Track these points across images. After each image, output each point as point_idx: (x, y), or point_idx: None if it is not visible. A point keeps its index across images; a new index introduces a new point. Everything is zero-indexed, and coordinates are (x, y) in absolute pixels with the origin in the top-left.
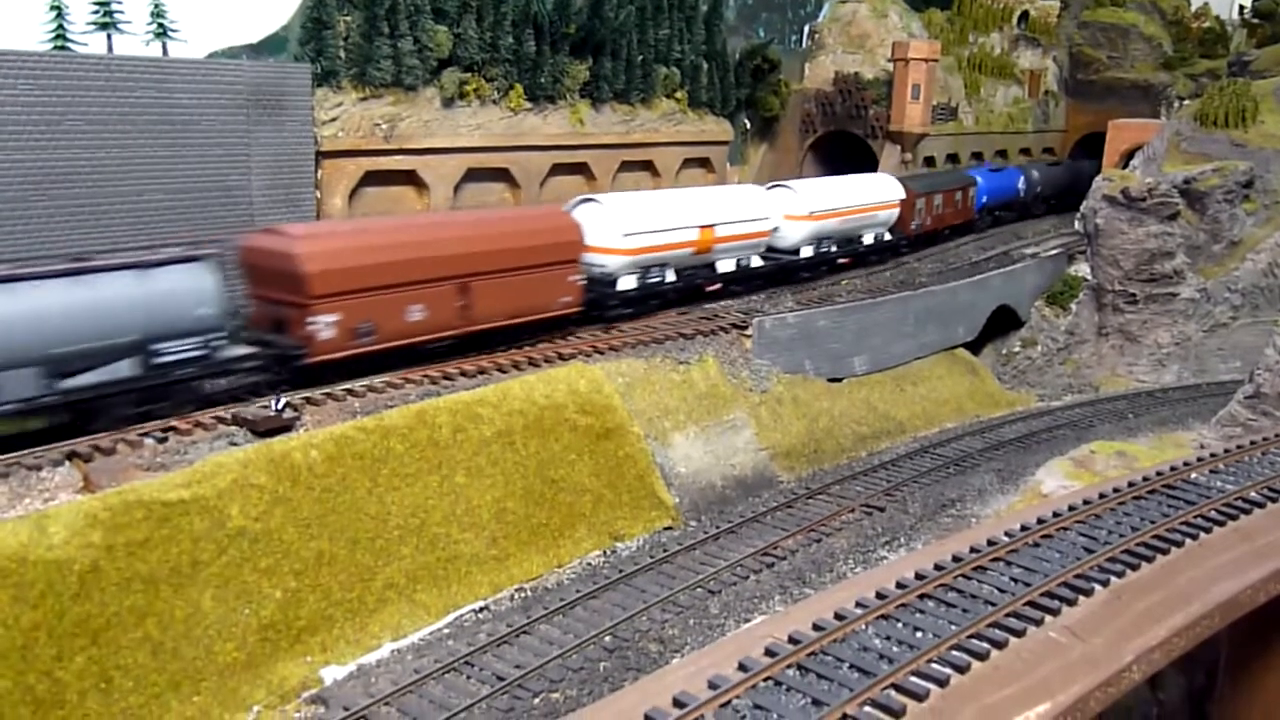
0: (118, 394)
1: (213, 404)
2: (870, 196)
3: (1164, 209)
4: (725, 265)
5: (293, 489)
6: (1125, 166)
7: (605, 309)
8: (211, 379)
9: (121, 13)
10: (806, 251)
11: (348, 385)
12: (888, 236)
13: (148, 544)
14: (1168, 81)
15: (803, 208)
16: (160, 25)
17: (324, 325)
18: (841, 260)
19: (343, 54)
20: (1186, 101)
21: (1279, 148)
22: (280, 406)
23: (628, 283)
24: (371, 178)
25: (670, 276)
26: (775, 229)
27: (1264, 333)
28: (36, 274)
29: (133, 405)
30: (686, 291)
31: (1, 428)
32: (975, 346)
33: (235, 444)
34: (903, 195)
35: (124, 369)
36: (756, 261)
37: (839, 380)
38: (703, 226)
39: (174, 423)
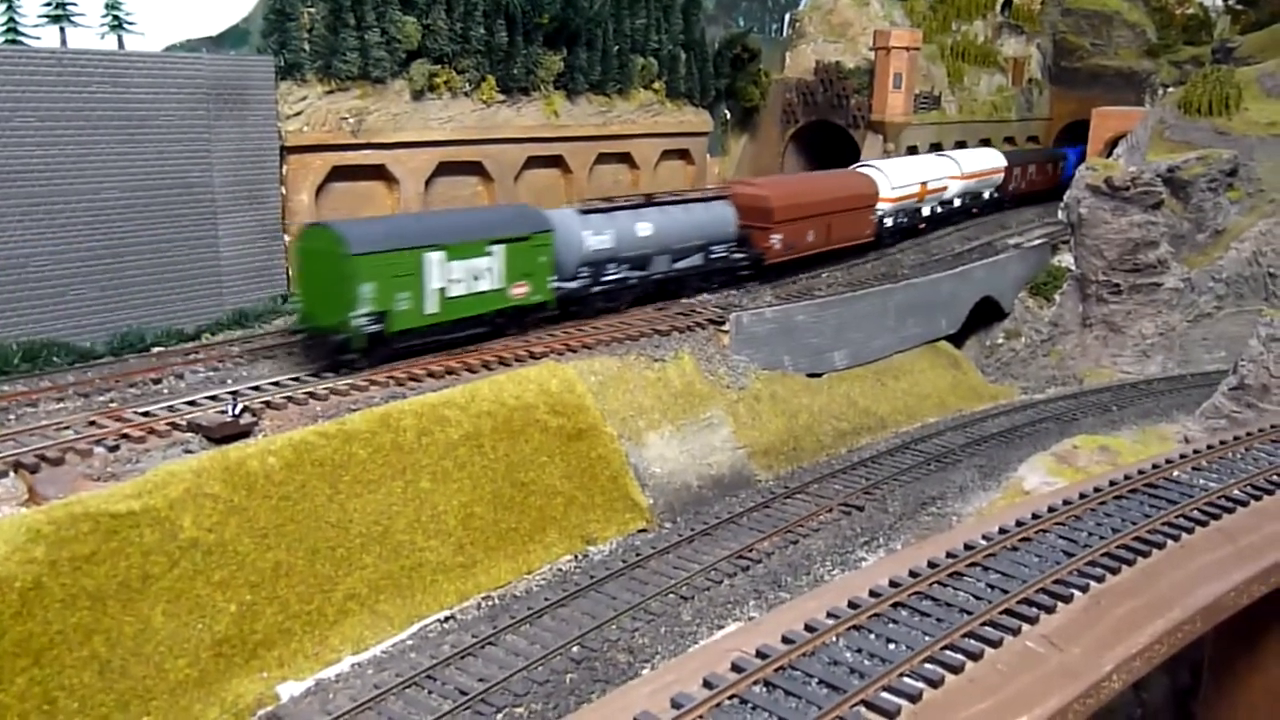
0: (691, 275)
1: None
2: (988, 165)
3: (1147, 198)
4: (925, 210)
5: (249, 498)
6: (1109, 155)
7: (881, 238)
8: (722, 273)
9: (75, 5)
10: (957, 202)
11: (308, 388)
12: (996, 195)
13: (94, 558)
14: (1152, 69)
15: (961, 171)
16: (115, 18)
17: (775, 240)
18: (973, 210)
19: (307, 46)
20: (1170, 89)
21: (1263, 135)
22: (238, 412)
23: (889, 221)
24: (339, 173)
25: (904, 219)
26: (946, 186)
27: (1248, 322)
28: (673, 201)
29: (695, 282)
30: (910, 228)
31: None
32: (959, 339)
33: (190, 451)
34: (1005, 165)
35: (697, 260)
36: (938, 209)
37: (819, 376)
38: (921, 183)
39: (126, 430)
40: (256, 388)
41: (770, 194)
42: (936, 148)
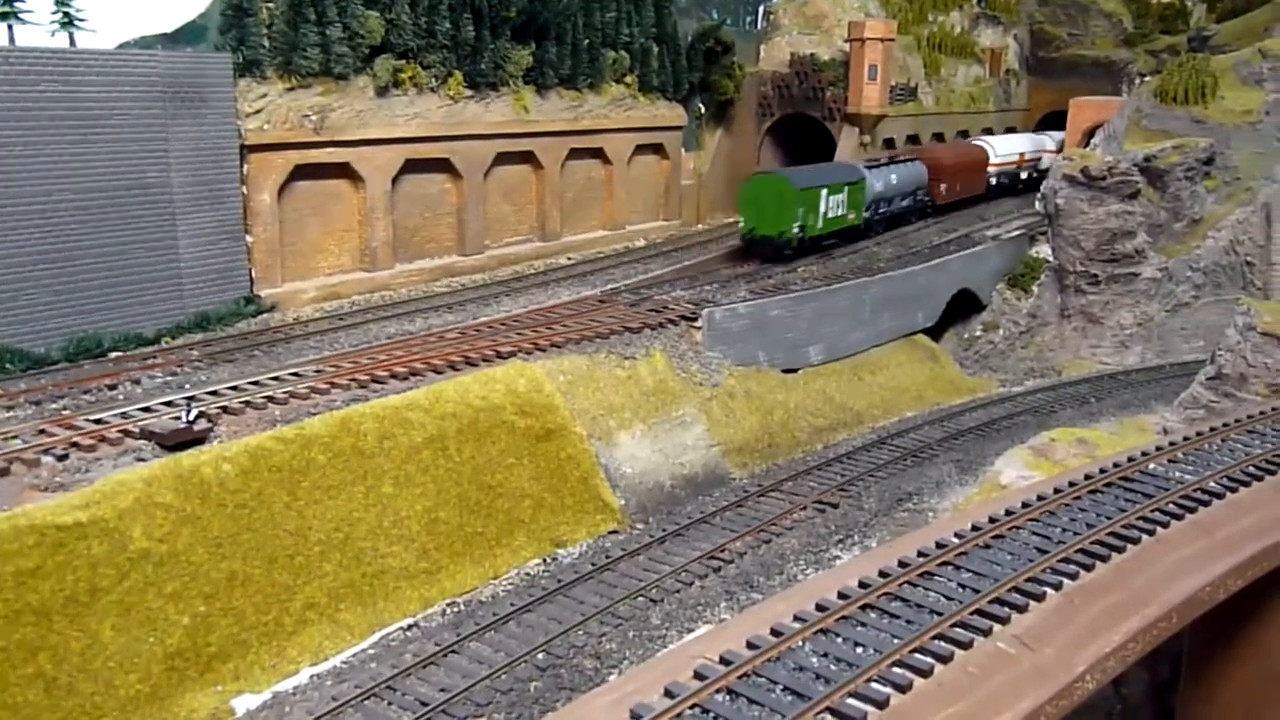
0: (906, 211)
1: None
2: (1045, 145)
3: (1124, 187)
4: (1022, 175)
5: (202, 506)
6: (1087, 145)
7: (988, 193)
8: (916, 210)
9: (23, 2)
10: (1024, 174)
11: (267, 392)
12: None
13: (39, 572)
14: (1129, 58)
15: (1055, 146)
16: (66, 14)
17: (943, 189)
18: (1037, 176)
19: (266, 42)
20: (1147, 78)
21: (1239, 123)
22: (192, 417)
23: (994, 180)
24: (302, 171)
25: (1005, 180)
26: (1040, 158)
27: (1226, 311)
28: (901, 160)
29: (908, 216)
30: (1010, 187)
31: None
32: (937, 331)
33: (142, 460)
34: (1056, 146)
35: (909, 201)
36: (1034, 175)
37: (794, 371)
38: (1020, 154)
39: (76, 439)
40: (214, 392)
41: (940, 157)
42: (913, 140)
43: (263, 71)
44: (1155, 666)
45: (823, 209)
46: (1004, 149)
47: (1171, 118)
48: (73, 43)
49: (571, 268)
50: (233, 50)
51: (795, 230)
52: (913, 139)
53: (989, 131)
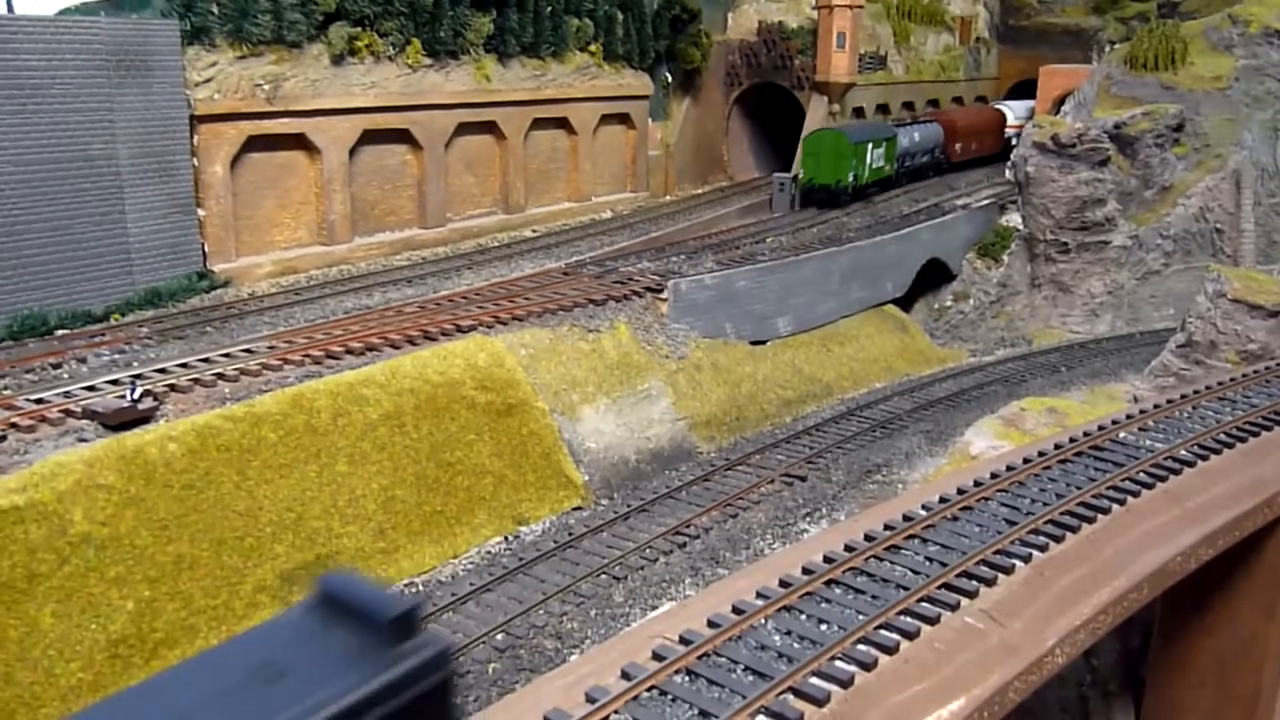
0: (924, 166)
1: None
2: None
3: (1094, 155)
4: None
5: (147, 488)
6: (1057, 113)
7: (1006, 152)
8: (934, 167)
9: None
10: None
11: (217, 369)
12: None
13: None
14: (1098, 25)
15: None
16: None
17: (957, 148)
18: None
19: (215, 9)
20: (1117, 45)
21: (1209, 89)
22: (137, 396)
23: (1014, 141)
24: (256, 143)
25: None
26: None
27: (1197, 279)
28: (922, 121)
29: (926, 172)
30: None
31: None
32: (907, 302)
33: (84, 440)
34: None
35: (927, 158)
36: None
37: (762, 343)
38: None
39: (15, 419)
40: (162, 370)
41: (955, 120)
42: (883, 109)
43: (212, 39)
44: (1127, 636)
45: (869, 161)
46: (1021, 112)
47: (1141, 84)
48: (10, 9)
49: (536, 240)
50: (180, 17)
51: (850, 179)
52: (882, 108)
53: (959, 100)
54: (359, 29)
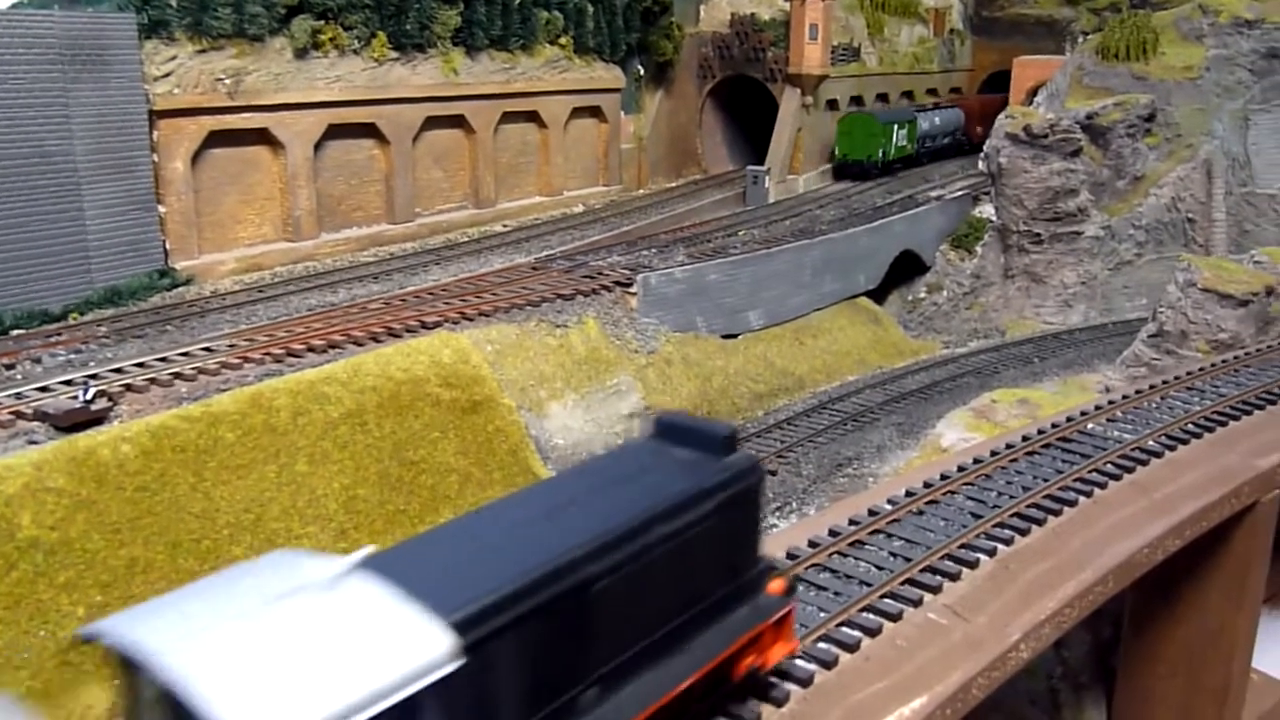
0: (946, 147)
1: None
2: None
3: (1066, 145)
4: None
5: (99, 490)
6: (1030, 104)
7: None
8: (954, 148)
9: None
10: None
11: (175, 369)
12: None
13: None
14: (1071, 16)
15: None
16: None
17: (977, 130)
18: None
19: (174, 2)
20: (1090, 36)
21: (1180, 79)
22: (90, 397)
23: None
24: (218, 138)
25: None
26: None
27: (1169, 269)
28: (945, 106)
29: (948, 151)
30: None
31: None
32: (881, 294)
33: (35, 442)
34: None
35: (949, 140)
36: None
37: (734, 336)
38: None
39: None
40: (119, 370)
41: (973, 104)
42: (857, 101)
43: (170, 32)
44: (1098, 627)
45: (894, 140)
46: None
47: (1113, 75)
48: None
49: (506, 235)
50: (137, 10)
51: (879, 154)
52: (856, 100)
53: (933, 92)
54: (323, 22)
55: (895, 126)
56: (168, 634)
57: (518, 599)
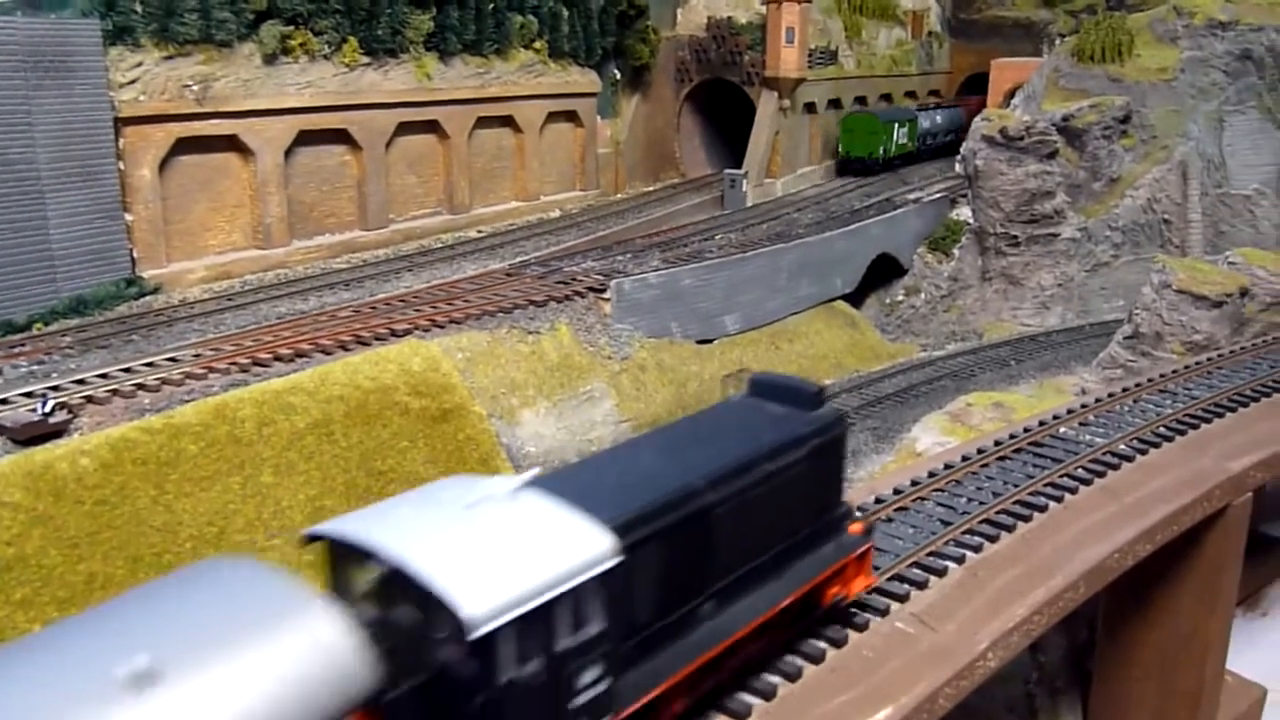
0: (945, 144)
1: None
2: None
3: (1042, 147)
4: None
5: (56, 505)
6: (1008, 106)
7: None
8: (954, 146)
9: None
10: None
11: (138, 379)
12: None
13: None
14: (1049, 18)
15: None
16: None
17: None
18: None
19: (139, 7)
20: (1066, 38)
21: (1155, 81)
22: (48, 409)
23: None
24: (186, 145)
25: None
26: None
27: (1145, 270)
28: (945, 106)
29: (945, 150)
30: None
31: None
32: (858, 297)
33: None
34: None
35: (948, 138)
36: None
37: (709, 341)
38: None
39: None
40: (81, 381)
41: (974, 104)
42: (835, 104)
43: (136, 39)
44: (1073, 631)
45: (895, 138)
46: None
47: (1089, 77)
48: None
49: (480, 240)
50: (101, 16)
51: (880, 151)
52: (834, 103)
53: (912, 95)
54: (292, 28)
55: (896, 125)
56: (388, 532)
57: (658, 515)
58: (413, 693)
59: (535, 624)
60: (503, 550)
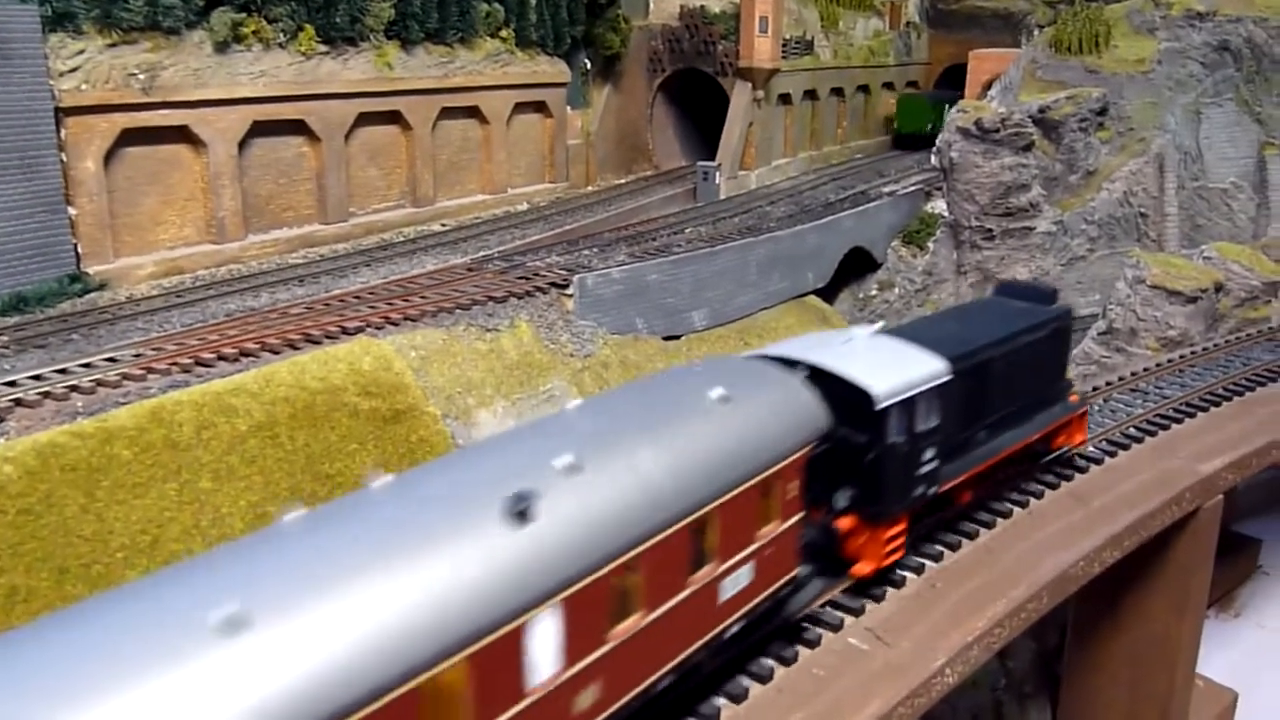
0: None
1: None
2: None
3: (1018, 139)
4: None
5: None
6: (986, 97)
7: None
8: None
9: None
10: None
11: (72, 381)
12: None
13: None
14: (1027, 9)
15: None
16: None
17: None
18: None
19: None
20: (1044, 29)
21: (1132, 73)
22: None
23: None
24: (133, 136)
25: None
26: None
27: (1121, 264)
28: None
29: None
30: None
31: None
32: (831, 292)
33: None
34: None
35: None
36: None
37: (676, 338)
38: None
39: None
40: (11, 383)
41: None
42: (811, 95)
43: (78, 25)
44: (1042, 635)
45: (943, 116)
46: None
47: (1066, 68)
48: None
49: (444, 234)
50: (39, 2)
51: (929, 128)
52: (810, 94)
53: (889, 86)
54: (245, 15)
55: (946, 106)
56: (803, 352)
57: (966, 358)
58: (823, 454)
59: (908, 408)
60: (882, 362)
